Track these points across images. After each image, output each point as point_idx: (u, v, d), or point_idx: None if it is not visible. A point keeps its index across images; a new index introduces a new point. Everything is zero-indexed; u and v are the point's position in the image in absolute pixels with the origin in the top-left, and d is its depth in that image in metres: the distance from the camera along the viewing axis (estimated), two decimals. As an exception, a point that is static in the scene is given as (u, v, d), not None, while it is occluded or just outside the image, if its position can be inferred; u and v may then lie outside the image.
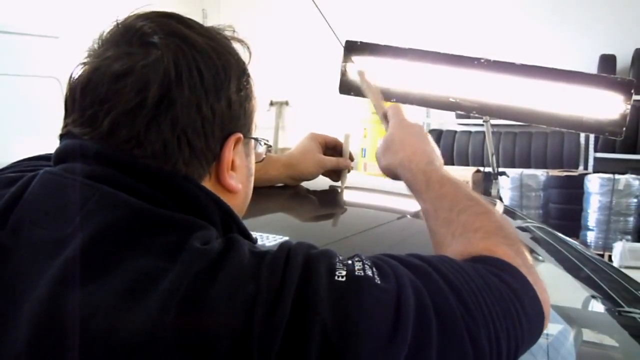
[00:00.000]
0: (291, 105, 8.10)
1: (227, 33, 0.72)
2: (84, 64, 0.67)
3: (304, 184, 1.36)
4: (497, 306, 0.63)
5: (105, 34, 0.68)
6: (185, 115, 0.63)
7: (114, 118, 0.63)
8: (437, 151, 0.97)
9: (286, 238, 1.02)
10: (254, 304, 0.53)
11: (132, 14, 0.69)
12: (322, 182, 1.36)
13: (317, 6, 1.23)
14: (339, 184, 1.35)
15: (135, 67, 0.63)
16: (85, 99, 0.65)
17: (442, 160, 0.96)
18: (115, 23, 0.68)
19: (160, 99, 0.62)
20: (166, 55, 0.64)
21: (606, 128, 1.60)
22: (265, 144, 0.82)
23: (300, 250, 0.59)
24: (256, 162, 0.80)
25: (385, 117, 1.08)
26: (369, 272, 0.58)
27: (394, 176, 0.99)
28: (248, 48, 0.73)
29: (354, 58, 1.75)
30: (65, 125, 0.68)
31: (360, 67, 1.36)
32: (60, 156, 0.67)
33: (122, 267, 0.55)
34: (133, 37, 0.66)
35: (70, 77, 0.67)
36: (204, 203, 0.66)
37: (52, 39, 4.30)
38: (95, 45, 0.68)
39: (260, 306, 0.53)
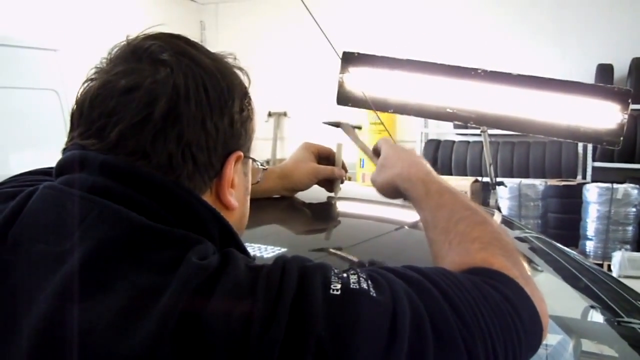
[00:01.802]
0: (289, 116, 8.11)
1: (229, 60, 0.74)
2: (92, 79, 0.68)
3: (301, 195, 1.35)
4: (495, 319, 0.63)
5: (114, 52, 0.70)
6: (191, 130, 0.65)
7: (122, 130, 0.64)
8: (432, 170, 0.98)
9: (284, 250, 1.02)
10: (250, 319, 0.53)
11: (140, 34, 0.70)
12: (318, 193, 1.36)
13: (314, 18, 1.24)
14: (332, 194, 1.36)
15: (144, 82, 0.64)
16: (93, 112, 0.66)
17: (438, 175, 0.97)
18: (124, 42, 0.70)
19: (167, 113, 0.64)
20: (176, 71, 0.65)
21: (604, 138, 1.60)
22: (261, 165, 0.84)
23: (295, 264, 0.59)
24: (252, 184, 0.81)
25: (376, 155, 1.10)
26: (364, 285, 0.58)
27: (392, 193, 1.00)
28: (247, 75, 0.75)
29: (352, 69, 1.76)
30: (70, 139, 0.69)
31: (348, 125, 1.40)
32: (63, 167, 0.68)
33: (121, 283, 0.55)
34: (142, 55, 0.67)
35: (78, 92, 0.69)
36: (204, 217, 0.66)
37: (51, 52, 4.30)
38: (104, 63, 0.69)
39: (256, 321, 0.53)
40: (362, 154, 1.25)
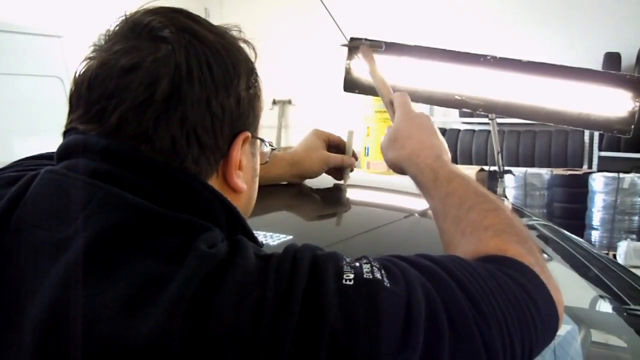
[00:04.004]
0: (294, 104, 8.08)
1: (234, 33, 0.71)
2: (90, 58, 0.65)
3: (308, 182, 1.34)
4: (511, 308, 0.61)
5: (113, 28, 0.67)
6: (195, 111, 0.62)
7: (122, 113, 0.61)
8: (444, 144, 0.96)
9: (290, 237, 1.01)
10: (261, 310, 0.51)
11: (140, 9, 0.67)
12: (325, 180, 1.35)
13: (323, 3, 1.21)
14: (342, 182, 1.34)
15: (144, 61, 0.61)
16: (92, 94, 0.63)
17: (449, 154, 0.95)
18: (123, 18, 0.67)
19: (170, 94, 0.61)
20: (177, 49, 0.62)
21: (614, 126, 1.57)
22: (269, 145, 0.81)
23: (307, 254, 0.58)
24: (260, 164, 0.78)
25: (391, 105, 1.07)
26: (378, 275, 0.57)
27: (400, 170, 0.98)
28: (254, 49, 0.71)
29: (359, 55, 1.74)
30: (69, 122, 0.67)
31: (368, 47, 1.34)
32: (63, 152, 0.65)
33: (127, 271, 0.54)
34: (142, 32, 0.64)
35: (76, 72, 0.66)
36: (210, 203, 0.64)
37: (55, 38, 4.28)
38: (102, 40, 0.66)
39: (267, 312, 0.51)
40: (377, 90, 1.20)
